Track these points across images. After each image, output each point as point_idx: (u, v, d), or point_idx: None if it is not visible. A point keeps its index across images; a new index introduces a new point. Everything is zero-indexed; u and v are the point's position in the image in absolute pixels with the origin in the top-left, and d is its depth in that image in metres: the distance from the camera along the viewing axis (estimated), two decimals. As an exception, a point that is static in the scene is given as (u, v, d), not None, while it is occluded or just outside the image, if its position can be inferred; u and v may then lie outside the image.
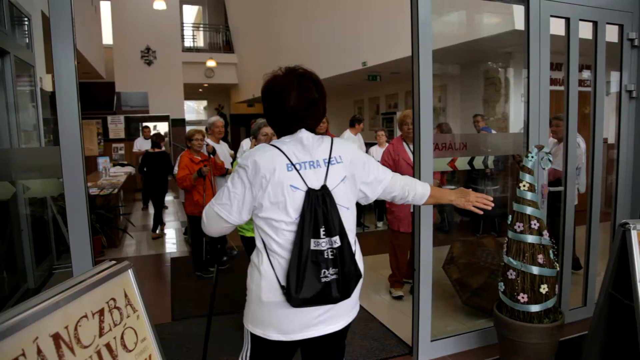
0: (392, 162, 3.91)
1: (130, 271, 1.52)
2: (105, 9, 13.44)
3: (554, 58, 3.12)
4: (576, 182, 3.38)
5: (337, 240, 1.49)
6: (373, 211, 7.26)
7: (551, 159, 2.56)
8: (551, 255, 2.46)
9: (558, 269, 2.48)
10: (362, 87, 12.02)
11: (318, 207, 1.48)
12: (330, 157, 1.57)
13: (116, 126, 12.02)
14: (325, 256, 1.47)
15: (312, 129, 1.62)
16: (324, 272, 1.47)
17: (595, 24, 3.18)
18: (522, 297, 2.43)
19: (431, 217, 2.79)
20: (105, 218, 5.41)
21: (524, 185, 2.47)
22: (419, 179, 2.70)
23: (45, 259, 4.64)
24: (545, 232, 2.45)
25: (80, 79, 2.20)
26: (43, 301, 1.14)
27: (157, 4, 12.27)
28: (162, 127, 12.65)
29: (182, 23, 15.94)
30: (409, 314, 3.47)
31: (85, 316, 1.26)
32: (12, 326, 1.02)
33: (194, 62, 15.27)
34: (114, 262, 1.50)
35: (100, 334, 1.31)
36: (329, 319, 1.58)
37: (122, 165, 9.78)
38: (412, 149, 3.47)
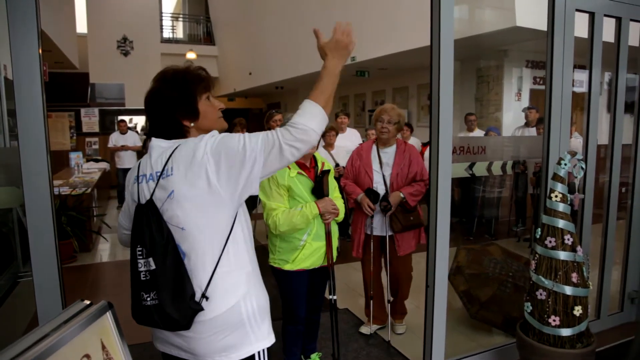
0: (353, 170, 3.16)
1: (108, 314, 1.18)
2: (80, -5, 12.79)
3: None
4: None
5: (151, 263, 1.33)
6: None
7: (584, 166, 2.31)
8: (585, 273, 2.22)
9: (591, 287, 2.24)
10: (348, 83, 11.73)
11: (138, 223, 1.36)
12: (163, 170, 1.37)
13: (90, 119, 11.41)
14: (142, 278, 1.34)
15: (170, 135, 1.42)
16: (143, 295, 1.34)
17: (619, 20, 2.96)
18: (554, 320, 2.18)
19: (448, 226, 2.51)
20: (77, 220, 4.98)
21: (556, 196, 2.21)
22: (437, 188, 2.43)
23: (10, 267, 4.21)
24: (579, 248, 2.21)
25: (52, 69, 1.87)
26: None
27: (135, -8, 11.72)
28: (139, 121, 12.14)
29: (160, 13, 15.35)
30: (415, 332, 3.21)
31: (49, 388, 0.93)
32: None
33: (173, 53, 14.71)
34: (86, 303, 1.16)
35: (69, 407, 0.98)
36: (185, 347, 1.41)
37: (97, 160, 9.28)
38: (382, 155, 3.10)
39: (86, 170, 7.70)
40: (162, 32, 15.58)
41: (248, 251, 1.47)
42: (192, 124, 1.43)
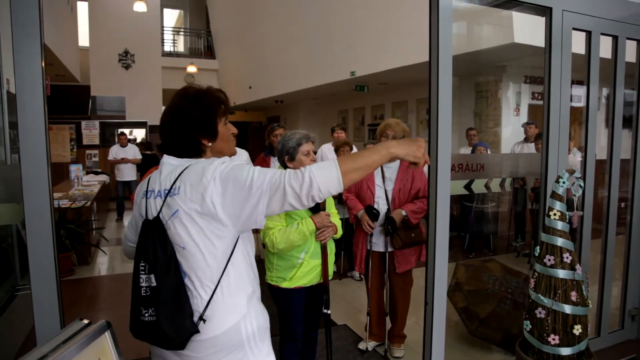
0: (355, 184, 3.11)
1: (107, 334, 1.18)
2: (83, 9, 12.91)
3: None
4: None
5: (152, 279, 1.34)
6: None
7: (582, 184, 2.32)
8: (584, 292, 2.22)
9: (591, 306, 2.23)
10: (347, 97, 11.80)
11: (144, 238, 1.38)
12: (171, 188, 1.38)
13: (90, 132, 11.45)
14: (142, 293, 1.35)
15: (184, 154, 1.44)
16: (141, 310, 1.35)
17: (615, 38, 2.99)
18: (553, 339, 2.17)
19: (447, 243, 2.51)
20: (76, 233, 4.97)
21: (555, 214, 2.22)
22: (435, 206, 2.44)
23: (8, 279, 4.19)
24: (577, 267, 2.20)
25: (53, 82, 1.89)
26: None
27: (138, 6, 11.84)
28: (140, 134, 12.17)
29: (162, 27, 15.49)
30: (414, 348, 3.19)
31: (45, 410, 0.93)
32: None
33: (173, 67, 14.83)
34: (85, 322, 1.16)
35: None
36: None
37: (96, 173, 9.27)
38: (385, 170, 3.07)
39: (86, 183, 7.70)
40: (163, 45, 15.70)
41: (249, 273, 1.47)
42: (210, 144, 1.44)
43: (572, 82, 2.88)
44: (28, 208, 1.82)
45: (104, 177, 8.78)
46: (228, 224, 1.34)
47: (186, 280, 1.36)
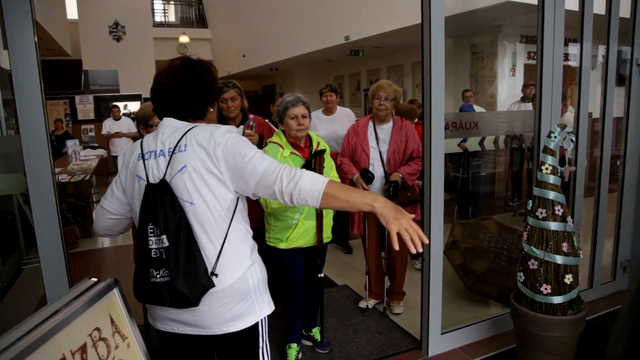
0: (349, 147, 3.17)
1: (116, 290, 1.24)
2: (69, -19, 12.59)
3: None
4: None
5: (164, 240, 1.36)
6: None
7: (573, 138, 2.35)
8: (575, 243, 2.28)
9: (582, 256, 2.30)
10: (343, 63, 11.68)
11: (152, 201, 1.39)
12: (176, 146, 1.42)
13: (85, 106, 11.38)
14: (153, 255, 1.37)
15: (189, 117, 1.51)
16: (152, 272, 1.37)
17: (609, -9, 2.97)
18: (546, 289, 2.25)
19: (442, 201, 2.57)
20: (77, 207, 5.03)
21: (547, 168, 2.26)
22: (430, 164, 2.48)
23: (13, 254, 4.27)
24: (569, 219, 2.26)
25: (44, 56, 1.89)
26: (3, 350, 0.86)
27: (125, -25, 11.54)
28: (134, 107, 12.07)
29: (151, -4, 15.15)
30: (412, 304, 3.30)
31: (63, 359, 0.99)
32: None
33: (165, 37, 14.58)
34: (93, 280, 1.21)
35: (83, 377, 1.04)
36: (192, 322, 1.47)
37: (93, 147, 9.26)
38: (379, 131, 3.10)
39: (83, 158, 7.71)
40: (153, 16, 15.39)
41: (248, 229, 1.54)
42: (211, 110, 1.58)
43: (569, 40, 2.87)
44: (31, 180, 1.86)
45: (101, 152, 8.77)
46: (229, 184, 1.42)
47: (197, 237, 1.40)
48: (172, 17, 16.93)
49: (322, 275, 2.60)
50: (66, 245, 2.03)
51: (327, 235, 2.58)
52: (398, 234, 1.27)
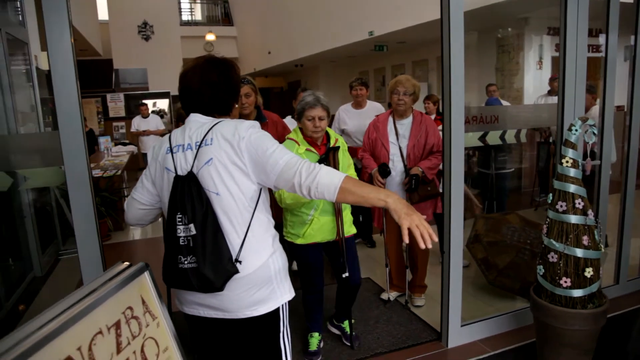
0: (369, 142, 3.22)
1: (146, 273, 1.34)
2: (99, -18, 12.97)
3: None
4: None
5: (192, 229, 1.45)
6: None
7: (595, 131, 2.34)
8: (596, 236, 2.28)
9: (603, 250, 2.30)
10: (367, 58, 11.68)
11: (180, 192, 1.48)
12: (203, 140, 1.51)
13: (116, 104, 11.74)
14: (181, 243, 1.46)
15: (215, 112, 1.61)
16: (180, 259, 1.47)
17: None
18: (565, 282, 2.25)
19: (462, 193, 2.60)
20: (109, 201, 5.23)
21: (567, 161, 2.26)
22: (450, 157, 2.51)
23: (51, 245, 4.49)
24: (590, 212, 2.26)
25: (77, 57, 2.01)
26: (50, 320, 0.96)
27: (153, -24, 11.82)
28: (163, 104, 12.38)
29: (178, -5, 15.45)
30: (434, 297, 3.33)
31: (100, 332, 1.09)
32: (16, 358, 0.85)
33: (192, 36, 14.87)
34: (126, 264, 1.31)
35: (118, 350, 1.13)
36: (217, 306, 1.55)
37: (124, 144, 9.56)
38: (398, 127, 3.12)
39: (115, 154, 7.97)
40: (181, 15, 15.70)
41: (270, 220, 1.62)
42: (236, 106, 1.69)
43: (599, 31, 2.81)
44: (69, 172, 1.99)
45: (132, 148, 9.04)
46: (252, 177, 1.50)
47: (222, 226, 1.49)
48: (198, 16, 17.23)
49: (347, 275, 2.56)
50: (101, 238, 2.16)
51: (347, 230, 2.60)
52: (409, 230, 1.34)
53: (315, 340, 2.71)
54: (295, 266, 3.13)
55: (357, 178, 2.58)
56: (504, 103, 5.25)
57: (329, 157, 2.46)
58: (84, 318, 1.04)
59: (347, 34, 9.18)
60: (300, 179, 1.43)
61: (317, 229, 2.48)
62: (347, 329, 2.81)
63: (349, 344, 2.79)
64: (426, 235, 1.34)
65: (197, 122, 1.57)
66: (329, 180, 1.41)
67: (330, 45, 10.00)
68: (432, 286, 3.42)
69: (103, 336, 1.09)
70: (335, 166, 2.45)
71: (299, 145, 2.45)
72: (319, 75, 14.21)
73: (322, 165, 1.46)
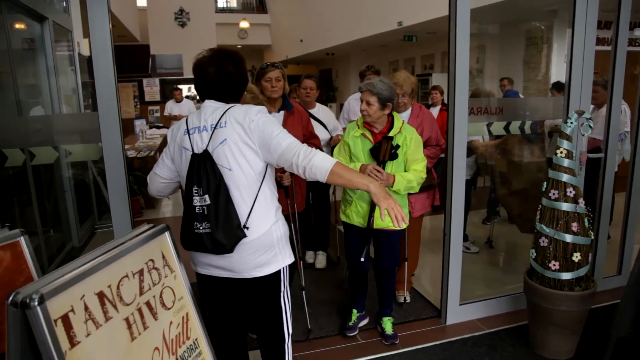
0: None
1: (167, 233, 1.59)
2: (138, -30, 13.41)
3: (602, 16, 2.92)
4: (618, 148, 3.24)
5: (206, 199, 1.68)
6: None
7: (592, 125, 2.46)
8: (586, 224, 2.41)
9: (592, 237, 2.43)
10: (397, 48, 11.70)
11: (196, 167, 1.70)
12: (217, 122, 1.72)
13: (151, 89, 12.20)
14: (197, 211, 1.69)
15: (228, 99, 1.81)
16: (196, 225, 1.69)
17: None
18: (554, 265, 2.41)
19: (464, 179, 2.76)
20: (142, 180, 5.57)
21: (562, 152, 2.39)
22: (453, 144, 2.67)
23: (88, 219, 4.87)
24: (581, 200, 2.39)
25: (116, 42, 2.24)
26: (88, 262, 1.22)
27: (190, -36, 12.13)
28: (196, 90, 12.74)
29: (214, -17, 15.76)
30: (437, 277, 3.50)
31: (127, 276, 1.34)
32: (61, 284, 1.10)
33: (227, 23, 15.19)
34: (151, 224, 1.57)
35: (141, 293, 1.39)
36: (227, 266, 1.79)
37: (158, 127, 9.97)
38: None
39: (149, 136, 8.37)
40: (216, 2, 16.03)
41: (274, 193, 1.86)
42: (245, 93, 1.97)
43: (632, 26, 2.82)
44: (106, 150, 2.27)
45: (165, 131, 9.42)
46: (260, 155, 1.74)
47: (232, 197, 1.72)
48: (233, 3, 17.53)
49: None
50: (133, 214, 2.44)
51: (378, 223, 2.53)
52: (386, 213, 1.64)
53: (353, 317, 2.87)
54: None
55: (424, 174, 2.55)
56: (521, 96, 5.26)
57: (381, 146, 2.44)
58: (114, 263, 1.30)
59: (377, 23, 9.26)
60: (297, 160, 1.67)
61: (355, 212, 2.59)
62: (388, 328, 2.80)
63: (387, 344, 2.74)
64: (399, 217, 1.63)
65: (211, 107, 1.79)
66: (322, 164, 1.66)
67: (361, 34, 10.10)
68: (437, 268, 3.59)
69: (129, 279, 1.35)
70: (384, 157, 2.44)
71: (358, 127, 2.54)
72: (350, 64, 14.31)
73: (319, 150, 1.69)
